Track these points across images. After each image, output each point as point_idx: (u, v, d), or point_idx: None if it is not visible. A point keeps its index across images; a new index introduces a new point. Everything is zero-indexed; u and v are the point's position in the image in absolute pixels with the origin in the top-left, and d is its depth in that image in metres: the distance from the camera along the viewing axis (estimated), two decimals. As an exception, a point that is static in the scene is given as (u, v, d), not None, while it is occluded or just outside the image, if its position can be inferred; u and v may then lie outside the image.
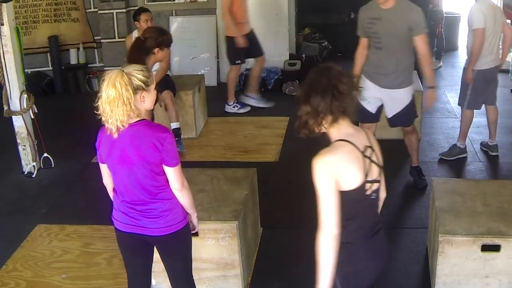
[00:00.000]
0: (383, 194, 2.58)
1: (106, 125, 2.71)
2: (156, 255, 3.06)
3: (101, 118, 2.71)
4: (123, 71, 2.68)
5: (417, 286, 3.81)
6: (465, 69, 5.34)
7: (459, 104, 5.58)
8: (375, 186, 2.42)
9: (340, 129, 2.38)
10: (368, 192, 2.39)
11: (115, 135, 2.70)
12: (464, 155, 5.55)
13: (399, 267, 3.92)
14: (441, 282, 3.46)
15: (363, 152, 2.36)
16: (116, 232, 2.96)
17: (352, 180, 2.32)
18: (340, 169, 2.29)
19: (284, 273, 3.94)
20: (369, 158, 2.38)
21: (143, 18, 5.86)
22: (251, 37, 6.78)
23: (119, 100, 2.62)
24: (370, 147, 2.42)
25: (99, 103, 2.67)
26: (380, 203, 2.59)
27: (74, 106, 7.62)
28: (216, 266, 3.66)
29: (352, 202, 2.35)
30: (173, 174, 2.79)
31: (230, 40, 6.68)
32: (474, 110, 5.48)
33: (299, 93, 2.41)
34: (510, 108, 6.79)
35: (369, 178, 2.37)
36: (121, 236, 2.94)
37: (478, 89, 5.29)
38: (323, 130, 2.40)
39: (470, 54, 5.21)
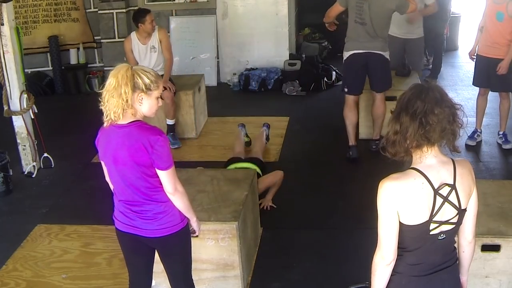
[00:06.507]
0: (463, 239, 2.36)
1: (104, 115, 2.72)
2: (156, 255, 3.06)
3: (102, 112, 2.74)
4: (131, 67, 2.71)
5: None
6: None
7: None
8: (445, 227, 2.21)
9: (422, 157, 2.19)
10: (433, 232, 2.20)
11: (105, 124, 2.73)
12: None
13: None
14: (441, 282, 3.45)
15: (436, 190, 2.16)
16: (116, 231, 2.96)
17: (412, 216, 2.16)
18: (401, 201, 2.15)
19: (284, 273, 3.94)
20: (444, 197, 2.18)
21: (149, 20, 5.78)
22: None
23: (116, 91, 2.64)
24: (451, 185, 2.19)
25: (103, 91, 2.70)
26: (465, 249, 2.37)
27: (74, 106, 7.62)
28: (215, 267, 3.65)
29: (411, 238, 2.21)
30: (165, 177, 2.75)
31: None
32: None
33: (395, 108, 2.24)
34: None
35: (437, 218, 2.18)
36: (120, 235, 2.95)
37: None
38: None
39: None
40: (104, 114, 2.72)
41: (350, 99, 5.53)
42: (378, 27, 5.28)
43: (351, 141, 5.55)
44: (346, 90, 5.49)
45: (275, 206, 4.70)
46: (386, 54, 5.46)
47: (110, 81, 2.67)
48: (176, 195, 2.80)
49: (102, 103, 2.70)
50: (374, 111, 5.63)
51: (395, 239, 2.20)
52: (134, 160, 2.71)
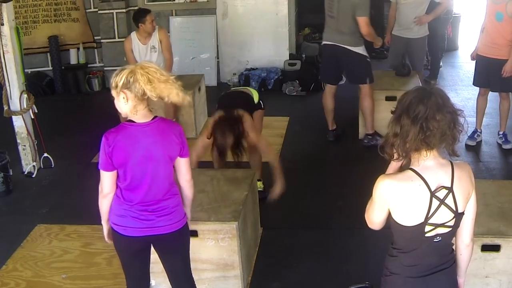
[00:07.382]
0: (461, 242, 2.34)
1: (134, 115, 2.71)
2: (155, 255, 3.06)
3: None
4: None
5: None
6: None
7: None
8: (441, 230, 2.20)
9: (420, 159, 2.19)
10: (429, 234, 2.19)
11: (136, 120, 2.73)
12: None
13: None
14: (441, 282, 3.45)
15: (433, 192, 2.15)
16: (120, 238, 2.88)
17: (407, 217, 2.17)
18: (396, 201, 2.17)
19: (284, 273, 3.94)
20: (440, 199, 2.16)
21: (149, 19, 5.80)
22: None
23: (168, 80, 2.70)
24: (449, 188, 2.17)
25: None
26: (463, 251, 2.36)
27: (74, 106, 7.62)
28: (215, 267, 3.66)
29: (407, 239, 2.23)
30: (185, 165, 2.90)
31: None
32: None
33: (395, 108, 2.23)
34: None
35: (432, 221, 2.17)
36: (126, 241, 2.89)
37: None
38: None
39: None
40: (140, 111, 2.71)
41: (327, 87, 5.98)
42: (343, 21, 5.52)
43: (329, 126, 6.02)
44: (320, 77, 6.09)
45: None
46: (358, 49, 5.58)
47: (156, 77, 2.66)
48: (191, 181, 2.98)
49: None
50: (360, 104, 5.81)
51: (381, 224, 2.27)
52: (169, 154, 2.80)
